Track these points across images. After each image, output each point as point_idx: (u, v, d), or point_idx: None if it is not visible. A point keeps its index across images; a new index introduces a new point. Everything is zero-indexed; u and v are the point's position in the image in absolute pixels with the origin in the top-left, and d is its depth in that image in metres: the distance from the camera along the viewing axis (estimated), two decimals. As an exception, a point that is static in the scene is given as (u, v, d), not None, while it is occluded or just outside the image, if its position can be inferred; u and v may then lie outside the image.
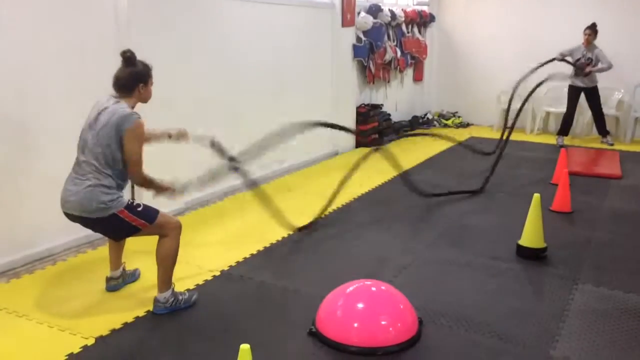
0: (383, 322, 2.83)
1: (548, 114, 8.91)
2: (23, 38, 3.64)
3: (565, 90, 7.85)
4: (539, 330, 3.01)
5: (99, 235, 4.02)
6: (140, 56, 3.09)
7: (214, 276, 3.64)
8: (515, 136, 7.40)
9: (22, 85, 3.68)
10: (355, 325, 2.81)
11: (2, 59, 3.54)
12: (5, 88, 3.59)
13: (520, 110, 6.63)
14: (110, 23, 4.17)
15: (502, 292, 3.46)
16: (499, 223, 4.70)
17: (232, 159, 3.86)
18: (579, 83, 7.60)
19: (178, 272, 3.21)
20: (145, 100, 3.13)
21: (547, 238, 3.98)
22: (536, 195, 3.93)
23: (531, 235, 3.94)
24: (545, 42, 8.46)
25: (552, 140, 8.06)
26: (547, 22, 8.85)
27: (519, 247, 3.98)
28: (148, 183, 3.12)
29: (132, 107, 3.03)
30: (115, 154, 2.93)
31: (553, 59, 7.37)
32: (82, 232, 4.01)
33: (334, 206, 5.05)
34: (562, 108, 7.97)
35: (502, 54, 9.21)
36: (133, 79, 3.03)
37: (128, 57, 3.02)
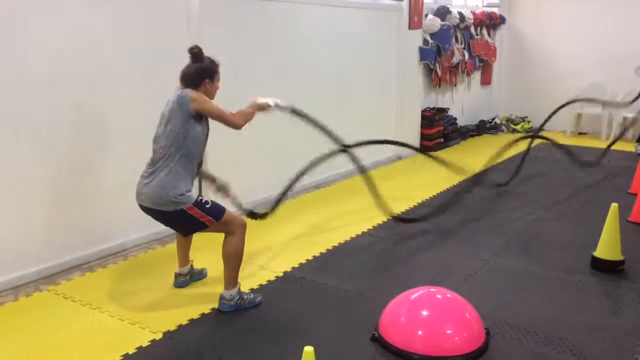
0: (448, 331, 2.76)
1: (625, 119, 8.45)
2: (101, 38, 3.81)
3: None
4: (615, 347, 2.84)
5: (168, 232, 4.16)
6: (209, 55, 3.16)
7: (277, 277, 3.67)
8: (590, 143, 7.06)
9: (99, 84, 3.84)
10: (420, 332, 2.75)
11: (82, 58, 3.72)
12: (83, 85, 3.76)
13: None
14: (182, 24, 4.30)
15: (575, 306, 3.29)
16: (572, 233, 4.49)
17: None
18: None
19: (241, 271, 3.25)
20: (211, 96, 3.17)
21: (624, 250, 3.77)
22: (614, 205, 3.72)
23: (608, 246, 3.73)
24: (623, 43, 8.02)
25: (630, 147, 7.63)
26: (625, 22, 8.37)
27: (594, 259, 3.78)
28: (244, 116, 3.18)
29: None
30: (187, 132, 2.98)
31: None
32: (152, 229, 4.15)
33: (398, 212, 4.98)
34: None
35: (576, 56, 8.79)
36: (199, 74, 3.09)
37: (195, 53, 3.09)
